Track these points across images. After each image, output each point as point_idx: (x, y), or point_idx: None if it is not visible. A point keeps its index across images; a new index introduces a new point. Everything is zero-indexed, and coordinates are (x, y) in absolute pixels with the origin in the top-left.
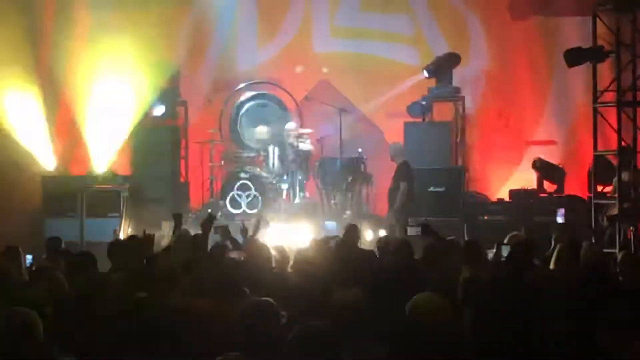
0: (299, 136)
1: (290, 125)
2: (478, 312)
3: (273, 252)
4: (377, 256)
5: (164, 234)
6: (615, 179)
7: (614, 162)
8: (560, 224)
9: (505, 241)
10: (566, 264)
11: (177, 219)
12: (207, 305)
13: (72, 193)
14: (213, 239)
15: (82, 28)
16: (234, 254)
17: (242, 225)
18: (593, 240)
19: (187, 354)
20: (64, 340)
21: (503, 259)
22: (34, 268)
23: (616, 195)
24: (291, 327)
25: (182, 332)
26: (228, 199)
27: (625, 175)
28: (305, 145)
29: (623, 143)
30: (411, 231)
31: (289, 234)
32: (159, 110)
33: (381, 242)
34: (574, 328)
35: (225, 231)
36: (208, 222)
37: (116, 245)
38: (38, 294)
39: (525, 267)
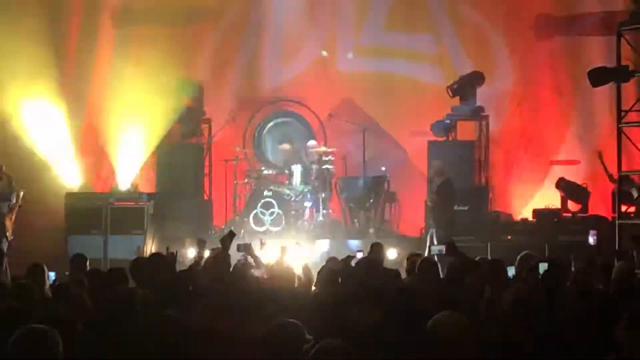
0: (322, 154)
1: (312, 142)
2: (502, 333)
3: (298, 272)
4: (407, 274)
5: (187, 253)
6: None
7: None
8: (591, 245)
9: (516, 261)
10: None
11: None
12: (229, 324)
13: (96, 210)
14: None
15: (106, 44)
16: (256, 272)
17: (261, 241)
18: (616, 261)
19: None
20: (89, 358)
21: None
22: (57, 285)
23: None
24: (310, 346)
25: (205, 351)
26: (251, 216)
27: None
28: (328, 164)
29: None
30: (435, 250)
31: (312, 252)
32: (183, 127)
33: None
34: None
35: (248, 249)
36: (228, 238)
37: (140, 263)
38: (61, 312)
39: (558, 287)
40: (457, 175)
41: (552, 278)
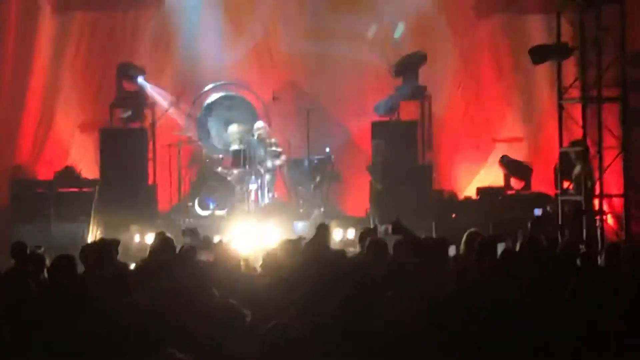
0: (267, 136)
1: (258, 124)
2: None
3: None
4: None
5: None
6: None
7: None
8: (536, 217)
9: (463, 239)
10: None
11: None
12: (176, 307)
13: (40, 197)
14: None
15: (47, 28)
16: (203, 256)
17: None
18: (560, 236)
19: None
20: (37, 343)
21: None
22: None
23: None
24: (257, 328)
25: (152, 333)
26: (197, 200)
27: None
28: (273, 145)
29: (588, 139)
30: (381, 229)
31: (258, 234)
32: (126, 113)
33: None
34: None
35: (194, 233)
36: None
37: (88, 249)
38: (7, 299)
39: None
40: (400, 155)
41: (513, 257)
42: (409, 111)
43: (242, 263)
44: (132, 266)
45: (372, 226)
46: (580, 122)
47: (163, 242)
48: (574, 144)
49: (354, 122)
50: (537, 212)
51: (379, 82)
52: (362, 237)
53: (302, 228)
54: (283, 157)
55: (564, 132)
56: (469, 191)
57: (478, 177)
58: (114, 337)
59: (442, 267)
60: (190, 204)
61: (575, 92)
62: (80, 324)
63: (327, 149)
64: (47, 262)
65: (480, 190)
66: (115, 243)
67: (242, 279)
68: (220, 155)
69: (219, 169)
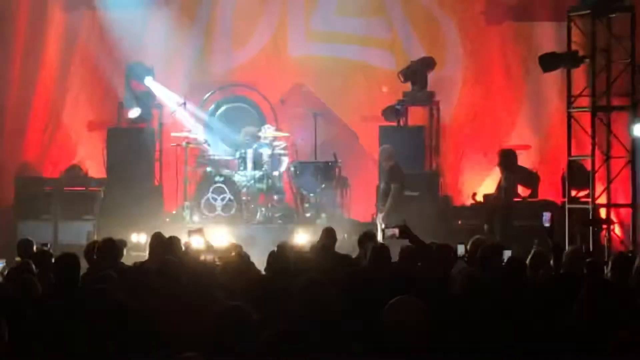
0: (274, 139)
1: (265, 127)
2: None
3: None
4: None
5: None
6: None
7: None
8: (545, 227)
9: (468, 245)
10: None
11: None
12: (180, 308)
13: (46, 195)
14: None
15: (57, 26)
16: (208, 257)
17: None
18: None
19: (160, 356)
20: (38, 342)
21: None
22: (6, 272)
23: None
24: (263, 330)
25: (156, 333)
26: (202, 202)
27: None
28: (280, 149)
29: (597, 148)
30: (388, 233)
31: (263, 237)
32: (134, 112)
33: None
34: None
35: (200, 233)
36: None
37: (92, 247)
38: (11, 297)
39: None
40: (408, 161)
41: (518, 265)
42: (417, 116)
43: (246, 265)
44: (136, 266)
45: (379, 230)
46: (589, 130)
47: (167, 243)
48: (503, 152)
49: (362, 127)
50: (546, 218)
51: (387, 86)
52: (361, 241)
53: (308, 232)
54: (287, 161)
55: (573, 141)
56: (476, 197)
57: (485, 183)
58: (116, 339)
59: (446, 272)
60: (196, 205)
61: (584, 101)
62: (82, 324)
63: (334, 153)
64: (53, 260)
65: (487, 197)
66: (120, 243)
67: (246, 281)
68: (227, 157)
69: (226, 170)
